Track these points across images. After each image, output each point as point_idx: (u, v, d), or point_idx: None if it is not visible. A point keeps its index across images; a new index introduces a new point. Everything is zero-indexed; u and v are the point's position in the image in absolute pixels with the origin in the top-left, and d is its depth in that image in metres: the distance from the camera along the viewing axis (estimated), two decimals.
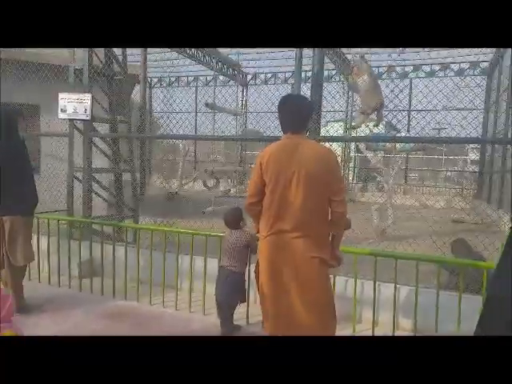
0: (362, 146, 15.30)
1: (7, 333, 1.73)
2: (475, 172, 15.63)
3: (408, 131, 14.28)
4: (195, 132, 16.62)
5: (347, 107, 14.81)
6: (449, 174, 18.61)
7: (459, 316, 2.94)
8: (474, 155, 18.32)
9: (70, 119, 4.71)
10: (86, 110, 4.55)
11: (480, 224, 9.45)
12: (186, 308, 3.81)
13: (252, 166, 16.80)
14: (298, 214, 2.40)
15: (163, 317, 3.70)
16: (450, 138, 7.22)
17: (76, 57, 4.72)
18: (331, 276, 3.03)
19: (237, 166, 14.47)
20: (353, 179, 16.85)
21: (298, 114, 2.54)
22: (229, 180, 14.29)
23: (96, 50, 4.86)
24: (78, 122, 4.77)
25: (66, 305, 3.87)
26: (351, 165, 16.82)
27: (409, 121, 14.65)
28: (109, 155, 5.33)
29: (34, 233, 4.44)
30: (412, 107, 14.69)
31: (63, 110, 4.63)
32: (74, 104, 4.58)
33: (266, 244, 2.51)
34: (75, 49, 4.71)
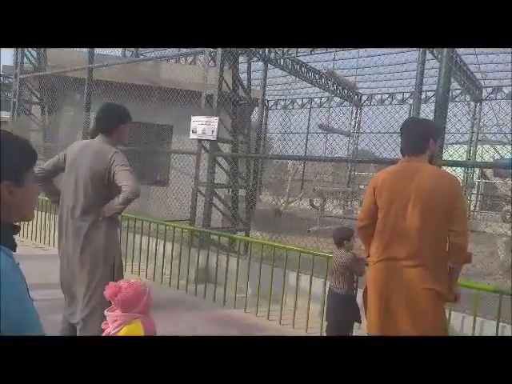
0: (489, 170, 13.83)
1: (133, 324, 1.84)
2: None
3: None
4: (305, 152, 16.91)
5: (472, 129, 13.59)
6: None
7: None
8: None
9: (198, 139, 5.28)
10: (213, 131, 5.06)
11: None
12: (289, 324, 3.92)
13: (361, 186, 16.44)
14: (413, 242, 2.30)
15: (268, 329, 3.86)
16: None
17: (208, 83, 5.29)
18: (446, 311, 2.86)
19: (345, 187, 14.27)
20: (475, 207, 15.28)
21: (418, 137, 2.45)
22: (335, 200, 14.18)
23: (225, 77, 5.39)
24: (205, 141, 5.32)
25: (181, 307, 4.27)
26: (474, 191, 15.30)
27: None
28: (228, 172, 5.80)
29: (161, 238, 5.06)
30: None
31: (194, 131, 5.22)
32: (203, 126, 5.13)
33: (375, 270, 2.46)
34: (207, 76, 5.27)
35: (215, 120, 5.11)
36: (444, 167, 3.77)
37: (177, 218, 5.81)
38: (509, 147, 14.90)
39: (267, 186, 16.33)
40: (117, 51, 9.72)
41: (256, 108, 10.63)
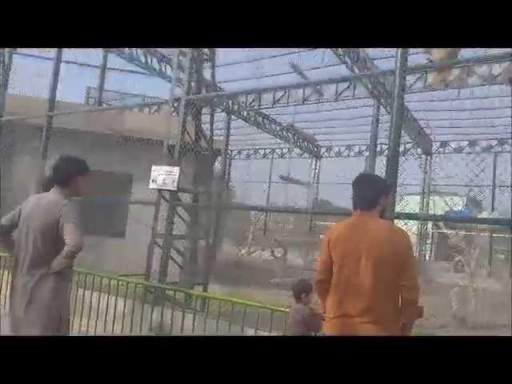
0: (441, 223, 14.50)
1: None
2: None
3: (492, 209, 13.32)
4: (267, 201, 17.09)
5: (424, 181, 14.37)
6: None
7: None
8: None
9: (158, 189, 5.17)
10: (173, 181, 4.98)
11: None
12: None
13: (322, 235, 16.63)
14: (366, 298, 2.29)
15: None
16: None
17: (170, 133, 5.28)
18: None
19: (306, 237, 14.39)
20: (430, 258, 15.78)
21: (370, 192, 2.51)
22: (297, 250, 14.20)
23: (188, 127, 5.41)
24: (165, 191, 5.21)
25: None
26: (428, 241, 15.87)
27: (493, 198, 13.71)
28: (188, 223, 5.67)
29: (114, 294, 4.75)
30: (498, 184, 13.82)
31: (154, 181, 5.12)
32: (163, 176, 5.05)
33: (331, 327, 2.40)
34: (170, 126, 5.27)
35: (176, 170, 5.05)
36: (396, 220, 3.84)
37: (133, 272, 5.52)
38: (458, 198, 15.83)
39: (229, 235, 16.17)
40: (79, 99, 9.66)
41: (219, 157, 10.74)
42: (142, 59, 8.80)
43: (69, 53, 8.44)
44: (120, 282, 4.76)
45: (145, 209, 6.03)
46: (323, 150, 16.38)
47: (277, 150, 17.33)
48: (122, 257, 6.29)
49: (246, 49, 7.84)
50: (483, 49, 6.40)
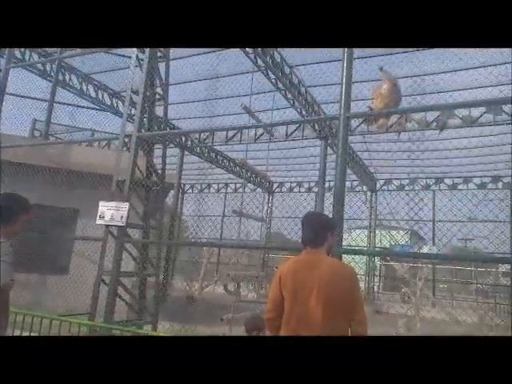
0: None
1: None
2: (507, 286, 14.88)
3: (433, 243, 14.13)
4: (221, 234, 17.03)
5: (370, 215, 15.06)
6: (480, 286, 17.73)
7: None
8: (504, 268, 17.59)
9: (106, 225, 5.05)
10: (122, 217, 4.90)
11: None
12: None
13: (275, 268, 16.72)
14: (316, 334, 2.31)
15: None
16: (478, 255, 7.13)
17: (120, 168, 5.23)
18: None
19: (259, 271, 14.40)
20: (378, 289, 16.28)
21: (317, 230, 2.63)
22: (250, 284, 14.13)
23: (139, 162, 5.40)
24: (113, 227, 5.10)
25: None
26: (376, 273, 16.41)
27: (434, 232, 14.59)
28: (137, 259, 5.55)
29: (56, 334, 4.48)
30: (437, 219, 14.75)
31: (101, 217, 5.01)
32: (111, 211, 4.96)
33: None
34: (121, 161, 5.23)
35: (125, 205, 4.99)
36: (345, 255, 4.01)
37: (77, 311, 5.26)
38: (402, 232, 16.66)
39: (180, 271, 15.81)
40: (24, 132, 9.33)
41: (172, 191, 10.67)
42: (93, 94, 8.77)
43: (15, 85, 8.24)
44: (62, 323, 4.51)
45: (91, 245, 5.85)
46: (275, 185, 16.80)
47: (231, 185, 17.53)
48: (65, 295, 5.99)
49: (200, 89, 8.09)
50: (417, 99, 7.14)
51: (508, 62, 6.44)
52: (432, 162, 11.61)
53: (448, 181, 14.15)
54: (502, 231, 12.60)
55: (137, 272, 5.70)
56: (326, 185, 11.67)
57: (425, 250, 14.68)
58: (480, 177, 13.47)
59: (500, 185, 13.36)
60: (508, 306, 13.50)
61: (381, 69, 4.49)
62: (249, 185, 15.63)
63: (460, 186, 13.94)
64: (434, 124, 8.21)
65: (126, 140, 5.70)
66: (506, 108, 7.89)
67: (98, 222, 5.05)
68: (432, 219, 14.80)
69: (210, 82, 8.06)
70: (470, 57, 6.35)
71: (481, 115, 7.97)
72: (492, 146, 9.76)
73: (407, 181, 14.50)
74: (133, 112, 5.79)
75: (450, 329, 6.74)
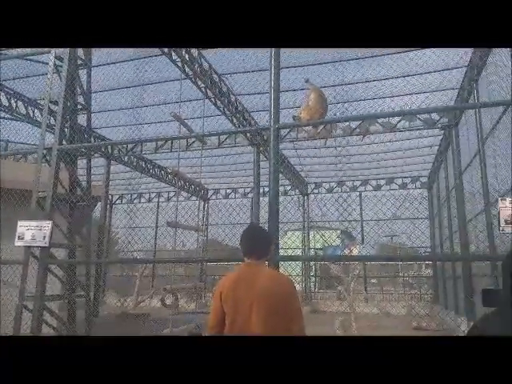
0: (321, 253, 15.76)
1: None
2: (430, 276, 16.17)
3: (362, 241, 14.94)
4: (155, 245, 16.51)
5: (304, 218, 15.56)
6: (405, 278, 19.09)
7: None
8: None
9: (26, 246, 4.63)
10: (44, 237, 4.52)
11: (441, 331, 9.49)
12: None
13: (214, 277, 16.57)
14: None
15: None
16: (402, 256, 7.64)
17: (40, 183, 4.84)
18: None
19: (197, 281, 14.15)
20: (315, 288, 16.83)
21: (259, 243, 2.68)
22: (188, 295, 13.84)
23: (62, 177, 5.02)
24: (35, 248, 4.69)
25: None
26: (312, 273, 16.96)
27: (362, 230, 15.41)
28: (63, 281, 5.15)
29: None
30: (365, 218, 15.61)
31: (20, 238, 4.57)
32: (32, 231, 4.56)
33: None
34: (41, 175, 4.84)
35: (48, 224, 4.61)
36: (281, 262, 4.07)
37: None
38: (333, 232, 17.44)
39: (113, 287, 15.02)
40: None
41: (99, 202, 10.12)
42: (5, 102, 8.01)
43: None
44: None
45: (10, 269, 5.32)
46: (210, 192, 16.66)
47: (163, 194, 17.04)
48: None
49: (127, 97, 7.79)
50: (344, 106, 7.58)
51: (420, 73, 7.03)
52: (360, 165, 12.32)
53: (373, 182, 15.06)
54: (422, 226, 13.70)
55: (64, 294, 5.29)
56: (261, 190, 11.84)
57: (355, 250, 15.51)
58: (401, 177, 14.52)
59: (418, 184, 14.52)
60: (429, 296, 14.68)
61: (306, 81, 4.67)
62: (183, 193, 15.34)
63: (383, 187, 14.91)
64: (357, 130, 8.76)
65: (45, 152, 5.29)
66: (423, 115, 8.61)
67: (18, 243, 4.61)
68: (360, 219, 15.64)
69: (137, 89, 7.78)
70: (389, 66, 6.85)
71: (398, 122, 8.64)
72: (410, 150, 10.59)
73: (335, 184, 15.21)
74: (52, 122, 5.38)
75: (383, 322, 7.12)
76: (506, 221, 3.49)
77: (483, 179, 6.36)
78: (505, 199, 3.57)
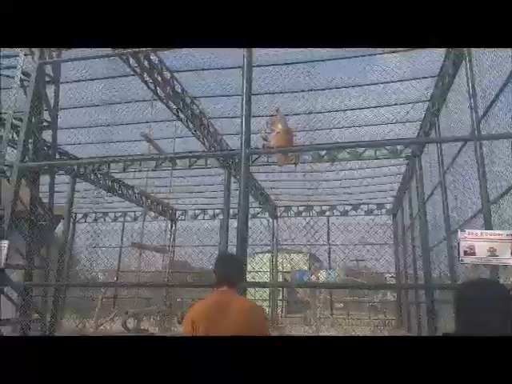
0: (289, 278, 15.76)
1: None
2: (395, 301, 16.43)
3: (329, 265, 15.10)
4: (118, 266, 16.01)
5: (272, 240, 15.57)
6: (370, 304, 19.31)
7: None
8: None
9: None
10: (0, 258, 4.28)
11: None
12: None
13: (179, 300, 16.14)
14: None
15: None
16: (368, 284, 7.74)
17: None
18: None
19: (161, 304, 13.75)
20: (282, 312, 16.71)
21: (234, 271, 2.71)
22: (151, 318, 13.43)
23: (22, 195, 4.82)
24: None
25: None
26: (279, 297, 16.88)
27: (329, 254, 15.59)
28: (18, 306, 4.87)
29: None
30: (331, 242, 15.81)
31: None
32: None
33: None
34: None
35: (4, 244, 4.38)
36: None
37: None
38: (301, 255, 17.52)
39: (72, 309, 14.33)
40: None
41: (62, 220, 9.75)
42: None
43: None
44: None
45: None
46: (179, 213, 16.42)
47: (130, 213, 16.65)
48: None
49: (95, 115, 7.67)
50: (312, 139, 7.81)
51: (391, 105, 7.34)
52: (329, 191, 12.56)
53: (340, 207, 15.34)
54: (387, 252, 14.01)
55: (18, 319, 5.00)
56: (231, 212, 11.79)
57: (322, 274, 15.63)
58: (367, 204, 14.87)
59: (384, 211, 14.92)
60: (394, 321, 14.88)
61: (277, 110, 4.79)
62: (150, 213, 15.03)
63: (350, 213, 15.21)
64: (326, 157, 9.00)
65: (6, 168, 5.08)
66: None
67: None
68: (327, 243, 15.83)
69: (107, 107, 7.67)
70: (359, 95, 7.14)
71: (363, 151, 8.96)
72: (376, 177, 10.92)
73: (303, 208, 15.38)
74: (15, 138, 5.20)
75: None
76: (465, 252, 3.62)
77: (444, 209, 6.62)
78: (464, 231, 3.71)
